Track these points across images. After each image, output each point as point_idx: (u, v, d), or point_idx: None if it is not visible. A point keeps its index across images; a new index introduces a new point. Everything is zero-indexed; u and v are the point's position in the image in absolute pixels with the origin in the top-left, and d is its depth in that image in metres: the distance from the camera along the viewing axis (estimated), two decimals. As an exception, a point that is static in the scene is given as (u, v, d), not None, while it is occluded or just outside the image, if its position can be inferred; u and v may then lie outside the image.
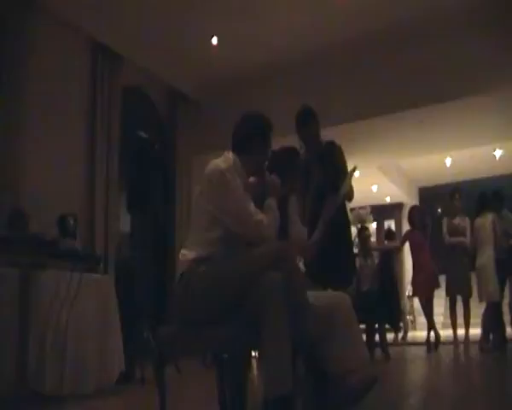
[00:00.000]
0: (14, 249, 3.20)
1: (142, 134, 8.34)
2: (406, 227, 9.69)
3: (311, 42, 7.75)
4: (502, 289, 7.42)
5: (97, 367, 4.61)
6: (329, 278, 3.22)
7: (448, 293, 8.04)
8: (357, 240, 8.79)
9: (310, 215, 3.84)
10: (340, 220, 4.12)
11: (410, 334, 10.69)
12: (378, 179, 12.57)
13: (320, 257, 3.85)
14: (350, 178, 4.00)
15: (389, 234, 9.58)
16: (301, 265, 3.23)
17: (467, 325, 7.83)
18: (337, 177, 4.03)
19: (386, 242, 9.10)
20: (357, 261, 7.39)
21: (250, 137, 2.85)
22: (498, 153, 11.88)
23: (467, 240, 7.82)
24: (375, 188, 13.29)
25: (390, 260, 8.38)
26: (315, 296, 2.81)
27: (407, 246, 8.52)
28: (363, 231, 8.14)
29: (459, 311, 7.94)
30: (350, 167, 4.20)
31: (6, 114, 5.99)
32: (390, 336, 8.55)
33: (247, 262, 2.52)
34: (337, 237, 4.03)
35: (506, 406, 3.48)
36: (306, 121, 4.14)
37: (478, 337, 7.78)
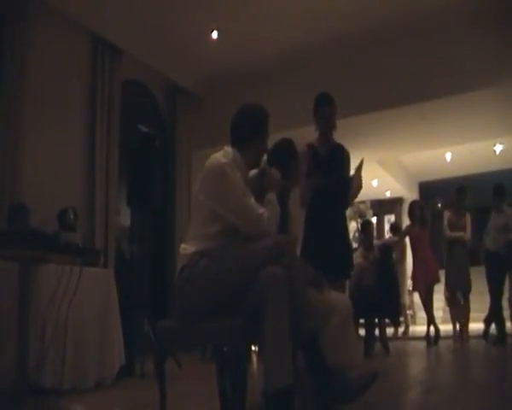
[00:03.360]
0: (15, 243, 3.19)
1: (143, 128, 8.32)
2: (406, 222, 9.72)
3: (313, 37, 7.74)
4: (501, 285, 7.44)
5: (97, 361, 4.61)
6: (327, 272, 3.21)
7: (448, 288, 8.05)
8: (356, 234, 8.82)
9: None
10: (338, 216, 4.14)
11: (410, 328, 10.69)
12: (378, 174, 12.54)
13: (318, 251, 3.86)
14: (359, 171, 4.07)
15: (395, 228, 9.73)
16: None
17: (466, 320, 7.84)
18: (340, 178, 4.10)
19: (391, 235, 9.18)
20: (359, 255, 7.40)
21: (247, 129, 2.84)
22: (499, 148, 11.88)
23: (466, 235, 7.83)
24: (375, 182, 13.27)
25: (390, 254, 8.39)
26: (316, 294, 2.82)
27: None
28: (366, 225, 8.14)
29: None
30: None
31: (6, 108, 5.98)
32: (390, 330, 8.56)
33: (247, 256, 2.52)
34: (334, 231, 4.05)
35: (506, 400, 3.48)
36: (319, 102, 4.14)
37: (477, 332, 7.81)
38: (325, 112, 4.11)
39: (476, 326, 8.16)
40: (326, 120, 4.12)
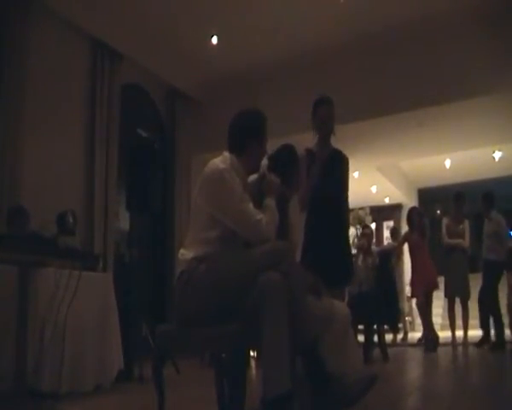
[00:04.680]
0: (14, 247, 3.19)
1: (142, 132, 8.33)
2: (405, 228, 9.72)
3: (312, 42, 7.75)
4: (495, 290, 7.49)
5: (96, 365, 4.61)
6: (326, 278, 3.21)
7: (447, 294, 8.05)
8: (356, 240, 8.81)
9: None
10: (340, 220, 4.13)
11: (409, 335, 10.68)
12: (377, 180, 12.56)
13: (318, 257, 3.85)
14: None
15: (394, 232, 9.81)
16: None
17: (465, 327, 7.83)
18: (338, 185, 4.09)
19: (391, 239, 9.22)
20: (358, 261, 7.40)
21: (244, 134, 2.84)
22: (498, 155, 11.88)
23: (465, 242, 7.84)
24: (374, 189, 13.28)
25: (389, 260, 8.40)
26: (314, 300, 2.81)
27: (406, 247, 8.57)
28: (365, 230, 8.16)
29: (457, 312, 7.95)
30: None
31: (6, 111, 5.98)
32: (388, 337, 8.54)
33: (246, 262, 2.52)
34: (335, 237, 4.04)
35: (504, 406, 3.48)
36: (317, 103, 4.13)
37: (476, 339, 7.80)
38: (323, 111, 4.09)
39: (475, 333, 8.15)
40: (324, 121, 4.10)
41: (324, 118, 4.09)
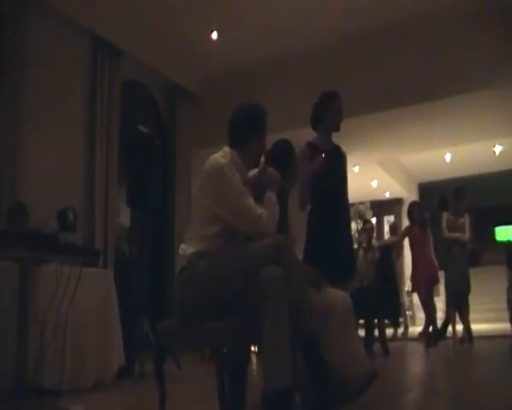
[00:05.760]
0: (14, 243, 3.19)
1: (142, 129, 8.32)
2: (406, 223, 9.74)
3: (312, 38, 7.73)
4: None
5: (97, 362, 4.61)
6: (330, 275, 3.20)
7: (447, 289, 8.05)
8: (356, 235, 8.82)
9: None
10: (342, 216, 4.12)
11: (410, 329, 10.70)
12: (378, 174, 12.56)
13: (321, 253, 3.85)
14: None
15: (393, 228, 9.80)
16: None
17: (466, 322, 7.83)
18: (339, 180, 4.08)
19: (390, 234, 9.22)
20: (359, 256, 7.41)
21: (244, 129, 2.84)
22: (498, 149, 11.87)
23: (465, 236, 7.84)
24: (374, 183, 13.28)
25: (389, 255, 8.40)
26: (315, 294, 2.81)
27: (406, 242, 8.58)
28: (366, 224, 8.16)
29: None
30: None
31: (6, 108, 5.97)
32: (389, 331, 8.55)
33: (247, 256, 2.51)
34: (339, 233, 4.02)
35: (504, 400, 3.48)
36: (332, 95, 4.13)
37: (476, 333, 7.82)
38: (339, 104, 4.10)
39: (476, 327, 8.16)
40: (341, 114, 4.10)
41: (341, 111, 4.11)
